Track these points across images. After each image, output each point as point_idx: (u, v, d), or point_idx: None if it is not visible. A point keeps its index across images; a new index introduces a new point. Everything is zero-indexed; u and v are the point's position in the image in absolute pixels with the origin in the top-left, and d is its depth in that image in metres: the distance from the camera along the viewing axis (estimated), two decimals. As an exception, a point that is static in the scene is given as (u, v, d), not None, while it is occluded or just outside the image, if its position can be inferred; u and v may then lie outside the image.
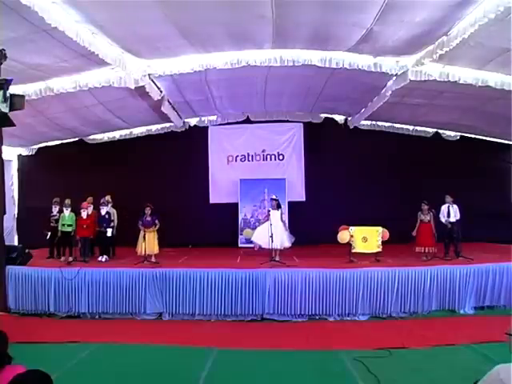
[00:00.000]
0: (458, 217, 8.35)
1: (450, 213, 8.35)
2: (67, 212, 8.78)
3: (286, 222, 9.08)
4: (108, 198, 9.29)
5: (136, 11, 5.45)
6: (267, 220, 8.20)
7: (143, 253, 8.11)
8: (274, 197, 8.54)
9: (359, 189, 11.25)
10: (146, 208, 8.37)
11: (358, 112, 10.79)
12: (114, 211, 9.30)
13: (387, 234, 8.05)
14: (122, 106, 9.50)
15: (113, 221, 9.19)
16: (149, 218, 8.32)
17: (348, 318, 7.15)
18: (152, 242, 8.24)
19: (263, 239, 8.08)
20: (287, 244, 8.26)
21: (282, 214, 8.45)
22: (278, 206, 8.36)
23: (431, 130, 11.66)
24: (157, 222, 8.35)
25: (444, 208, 8.45)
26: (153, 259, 8.26)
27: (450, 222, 8.32)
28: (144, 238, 8.09)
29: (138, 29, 6.08)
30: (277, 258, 8.03)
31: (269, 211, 8.35)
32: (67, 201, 8.92)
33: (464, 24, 5.48)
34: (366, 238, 8.00)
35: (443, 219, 8.41)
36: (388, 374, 4.59)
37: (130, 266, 7.75)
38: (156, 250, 8.32)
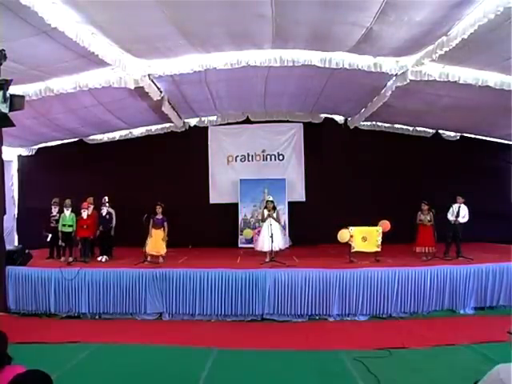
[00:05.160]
0: (467, 218, 8.39)
1: (460, 213, 8.37)
2: (67, 212, 8.78)
3: (282, 223, 9.10)
4: (105, 198, 9.23)
5: (136, 11, 5.45)
6: (262, 219, 8.33)
7: (150, 252, 8.15)
8: (270, 199, 8.56)
9: (359, 189, 11.25)
10: (156, 207, 8.38)
11: (357, 112, 10.79)
12: (112, 212, 9.28)
13: (388, 225, 8.08)
14: (122, 106, 9.50)
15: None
16: (159, 217, 8.34)
17: (348, 318, 7.15)
18: (159, 242, 8.24)
19: (264, 244, 8.09)
20: (282, 246, 8.27)
21: (278, 216, 8.46)
22: (274, 208, 8.37)
23: (431, 130, 11.66)
24: (165, 224, 8.36)
25: (455, 207, 8.47)
26: (160, 259, 8.28)
27: (458, 223, 8.35)
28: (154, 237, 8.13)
29: (137, 29, 6.07)
30: (274, 258, 8.02)
31: (263, 212, 8.40)
32: (67, 201, 8.91)
33: (464, 24, 5.48)
34: (366, 237, 8.01)
35: (451, 218, 8.43)
36: (388, 374, 4.59)
37: (129, 266, 7.75)
38: (162, 251, 8.30)
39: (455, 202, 8.52)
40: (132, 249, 9.11)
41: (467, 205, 8.55)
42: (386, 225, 8.10)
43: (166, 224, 8.37)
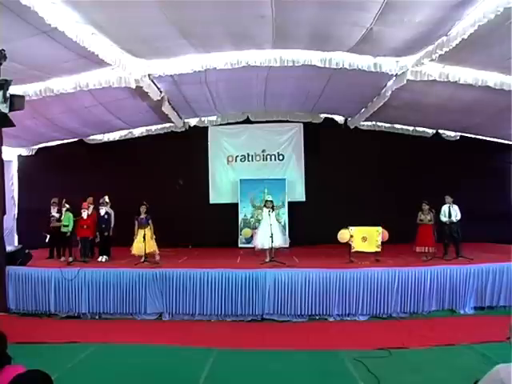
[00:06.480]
0: (459, 217, 8.36)
1: (451, 213, 8.37)
2: (64, 212, 8.81)
3: (282, 222, 9.14)
4: (105, 198, 9.23)
5: (136, 11, 5.45)
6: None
7: (142, 253, 8.11)
8: (270, 199, 8.57)
9: (359, 189, 11.25)
10: (140, 207, 8.38)
11: (358, 112, 10.80)
12: (110, 212, 9.27)
13: (386, 235, 8.06)
14: (122, 106, 9.50)
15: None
16: (142, 216, 8.35)
17: (348, 318, 7.15)
18: (149, 242, 8.23)
19: (264, 242, 8.09)
20: (281, 244, 8.31)
21: (276, 215, 8.48)
22: (273, 208, 8.38)
23: (431, 130, 11.66)
24: (150, 222, 8.36)
25: (445, 208, 8.47)
26: (157, 258, 8.28)
27: (452, 222, 8.34)
28: (144, 237, 8.08)
29: (137, 29, 6.08)
30: (274, 258, 8.02)
31: (262, 206, 8.46)
32: (63, 201, 8.95)
33: (464, 24, 5.49)
34: (366, 237, 8.01)
35: (444, 219, 8.42)
36: (388, 374, 4.59)
37: (130, 266, 7.75)
38: (152, 248, 8.28)
39: (444, 203, 8.50)
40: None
41: (467, 205, 8.56)
42: (384, 234, 8.06)
43: (150, 222, 8.38)
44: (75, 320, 7.32)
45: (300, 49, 7.05)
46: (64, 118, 9.76)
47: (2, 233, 7.73)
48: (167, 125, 11.60)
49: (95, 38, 6.10)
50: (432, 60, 6.66)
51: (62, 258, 8.81)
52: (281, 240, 8.27)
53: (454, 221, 8.35)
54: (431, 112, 9.81)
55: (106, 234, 8.86)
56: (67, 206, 8.97)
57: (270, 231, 7.88)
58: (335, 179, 11.33)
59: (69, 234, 8.78)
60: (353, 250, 8.03)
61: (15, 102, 4.49)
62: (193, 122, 11.94)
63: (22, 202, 11.86)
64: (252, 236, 10.48)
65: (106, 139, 11.95)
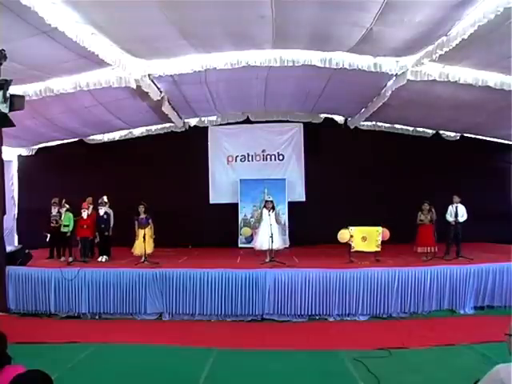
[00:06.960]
0: (466, 217, 8.36)
1: (458, 213, 8.35)
2: (63, 212, 8.81)
3: (282, 222, 9.12)
4: (104, 198, 9.21)
5: (136, 11, 5.45)
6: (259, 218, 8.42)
7: (143, 252, 8.10)
8: (270, 199, 8.57)
9: (359, 189, 11.24)
10: (139, 206, 8.38)
11: (358, 112, 10.80)
12: (110, 212, 9.25)
13: (388, 234, 8.06)
14: (122, 106, 9.50)
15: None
16: (142, 216, 8.34)
17: (348, 318, 7.15)
18: (149, 242, 8.24)
19: (263, 242, 8.09)
20: (280, 246, 8.31)
21: (277, 216, 8.47)
22: (273, 208, 8.37)
23: (431, 130, 11.66)
24: (150, 221, 8.36)
25: (452, 208, 8.45)
26: (142, 259, 8.25)
27: (458, 222, 8.32)
28: (144, 237, 8.08)
29: (137, 29, 6.07)
30: (274, 258, 8.02)
31: (261, 212, 8.43)
32: (62, 201, 8.95)
33: (464, 24, 5.49)
34: (366, 237, 8.01)
35: (451, 219, 8.40)
36: (388, 374, 4.59)
37: (130, 266, 7.76)
38: (149, 249, 8.28)
39: (452, 203, 8.51)
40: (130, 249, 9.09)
41: (468, 205, 8.55)
42: (385, 233, 8.07)
43: (150, 222, 8.40)
44: (75, 320, 7.33)
45: (300, 49, 7.04)
46: (64, 118, 9.76)
47: (2, 233, 7.74)
48: (167, 125, 11.60)
49: (95, 38, 6.09)
50: (432, 60, 6.65)
51: (62, 258, 8.82)
52: (280, 242, 8.27)
53: (461, 221, 8.34)
54: (431, 112, 9.81)
55: (106, 233, 8.86)
56: (67, 206, 9.00)
57: (269, 231, 7.89)
58: (335, 179, 11.32)
59: (69, 233, 8.80)
60: (353, 250, 8.03)
61: (15, 102, 4.48)
62: (193, 121, 11.94)
63: (22, 202, 11.86)
64: (252, 235, 10.48)
65: (106, 139, 11.96)
